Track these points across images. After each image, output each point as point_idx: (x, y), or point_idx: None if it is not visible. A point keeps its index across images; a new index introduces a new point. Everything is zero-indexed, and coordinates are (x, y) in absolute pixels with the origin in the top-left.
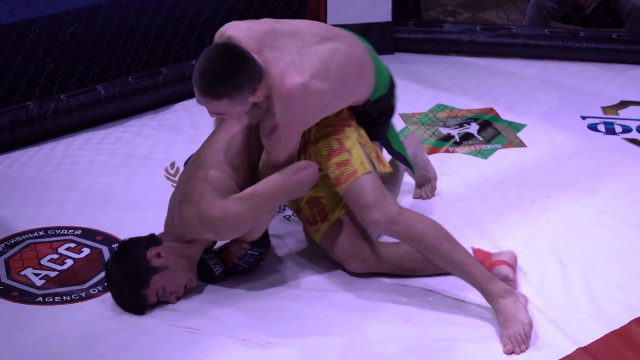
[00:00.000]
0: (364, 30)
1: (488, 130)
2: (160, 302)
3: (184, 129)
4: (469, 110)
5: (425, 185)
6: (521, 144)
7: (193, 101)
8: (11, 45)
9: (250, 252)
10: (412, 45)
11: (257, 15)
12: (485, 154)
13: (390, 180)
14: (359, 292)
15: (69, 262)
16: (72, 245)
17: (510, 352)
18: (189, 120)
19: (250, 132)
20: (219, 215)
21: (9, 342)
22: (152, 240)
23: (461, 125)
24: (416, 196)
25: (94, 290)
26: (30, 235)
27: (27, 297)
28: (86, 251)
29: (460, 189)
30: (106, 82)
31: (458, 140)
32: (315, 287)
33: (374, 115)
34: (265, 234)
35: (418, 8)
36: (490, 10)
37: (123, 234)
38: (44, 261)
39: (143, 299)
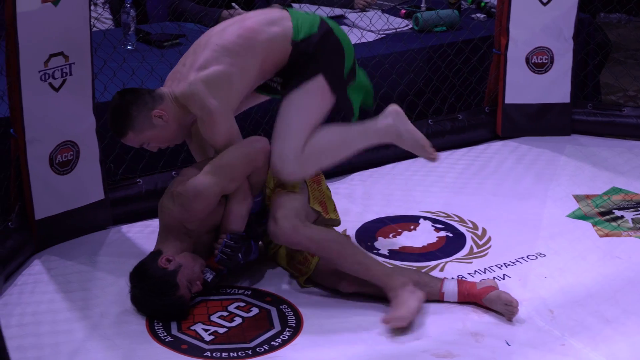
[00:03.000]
0: (541, 111)
1: None
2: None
3: (357, 199)
4: None
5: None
6: None
7: (369, 172)
8: None
9: (225, 240)
10: (590, 127)
11: (435, 91)
12: None
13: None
14: None
15: (238, 320)
16: (242, 304)
17: (387, 323)
18: (363, 191)
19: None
20: (183, 188)
21: None
22: (153, 254)
23: (636, 209)
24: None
25: (260, 349)
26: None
27: (195, 351)
28: (255, 311)
29: (632, 273)
30: None
31: (632, 224)
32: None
33: (311, 51)
34: (250, 229)
35: (598, 91)
36: None
37: (293, 296)
38: (213, 317)
39: (181, 298)
